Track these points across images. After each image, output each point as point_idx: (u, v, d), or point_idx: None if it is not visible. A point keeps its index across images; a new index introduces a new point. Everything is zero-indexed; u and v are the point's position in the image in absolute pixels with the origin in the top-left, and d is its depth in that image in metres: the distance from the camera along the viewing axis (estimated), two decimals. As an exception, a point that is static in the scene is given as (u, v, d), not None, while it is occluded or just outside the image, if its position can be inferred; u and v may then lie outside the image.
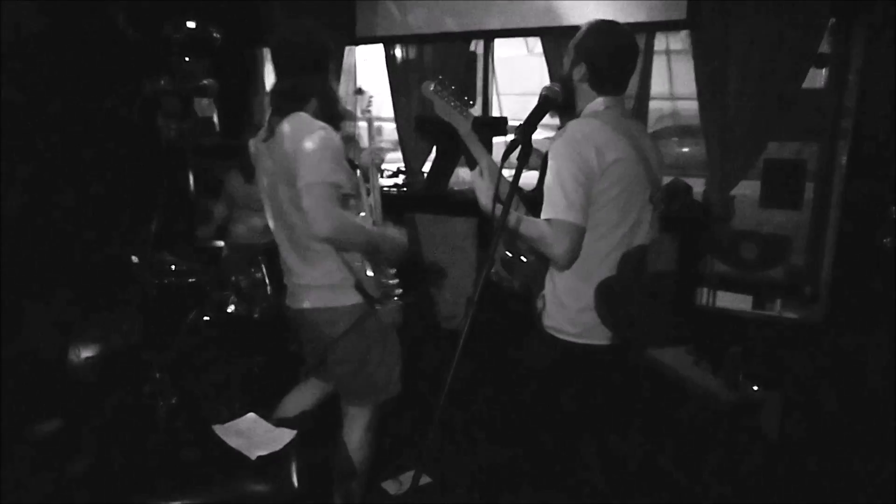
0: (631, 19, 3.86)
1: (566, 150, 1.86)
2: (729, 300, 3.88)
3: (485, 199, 2.01)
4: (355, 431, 2.37)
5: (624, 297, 1.92)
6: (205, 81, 3.31)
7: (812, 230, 3.84)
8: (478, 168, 2.10)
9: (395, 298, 2.24)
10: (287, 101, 2.15)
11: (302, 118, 2.11)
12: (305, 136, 2.04)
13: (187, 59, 3.82)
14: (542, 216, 1.86)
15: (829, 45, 3.61)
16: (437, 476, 2.96)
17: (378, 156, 2.48)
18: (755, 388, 2.99)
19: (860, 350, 3.38)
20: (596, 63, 1.94)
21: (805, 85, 3.58)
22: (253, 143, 2.33)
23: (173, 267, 3.19)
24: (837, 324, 3.55)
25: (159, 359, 2.96)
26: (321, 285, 2.19)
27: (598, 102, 1.97)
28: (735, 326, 3.74)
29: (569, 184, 1.83)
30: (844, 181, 3.57)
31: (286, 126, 2.09)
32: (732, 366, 2.96)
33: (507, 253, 2.18)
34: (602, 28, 1.96)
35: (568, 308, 1.97)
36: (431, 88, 2.19)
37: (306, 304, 2.23)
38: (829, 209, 3.71)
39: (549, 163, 1.88)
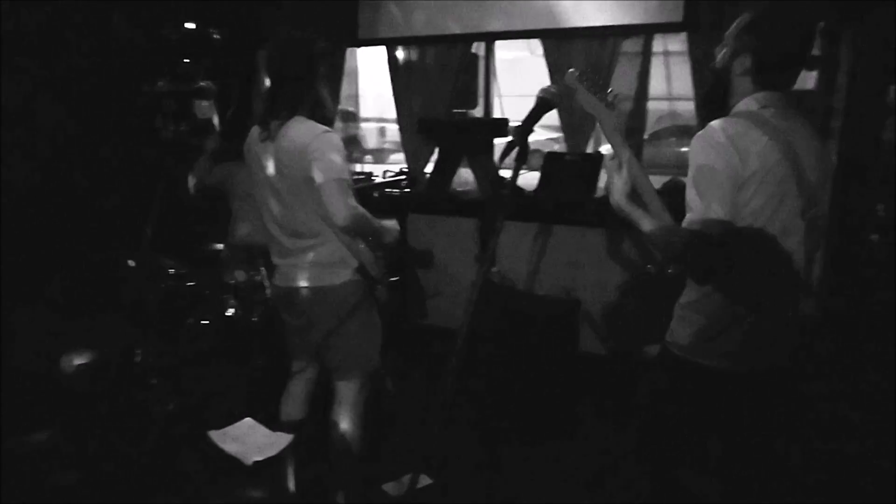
0: (628, 21, 3.88)
1: (708, 153, 1.66)
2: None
3: (618, 195, 1.83)
4: (348, 407, 2.52)
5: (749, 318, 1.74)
6: (202, 83, 3.33)
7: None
8: (615, 161, 1.91)
9: (389, 279, 2.49)
10: (282, 106, 2.31)
11: (305, 122, 2.30)
12: (314, 138, 2.25)
13: (186, 60, 3.83)
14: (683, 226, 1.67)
15: (818, 47, 3.63)
16: (439, 477, 2.96)
17: None
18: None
19: (848, 344, 3.40)
20: (765, 53, 1.71)
21: (796, 87, 3.60)
22: (248, 143, 2.48)
23: (172, 270, 3.20)
24: (829, 319, 3.56)
25: (157, 364, 2.97)
26: (318, 264, 2.38)
27: (753, 100, 1.73)
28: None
29: (713, 192, 1.63)
30: (834, 180, 3.58)
31: (292, 130, 2.28)
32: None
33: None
34: (776, 11, 1.74)
35: (689, 322, 1.80)
36: (577, 76, 2.01)
37: (303, 283, 2.41)
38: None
39: (690, 168, 1.69)
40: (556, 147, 7.85)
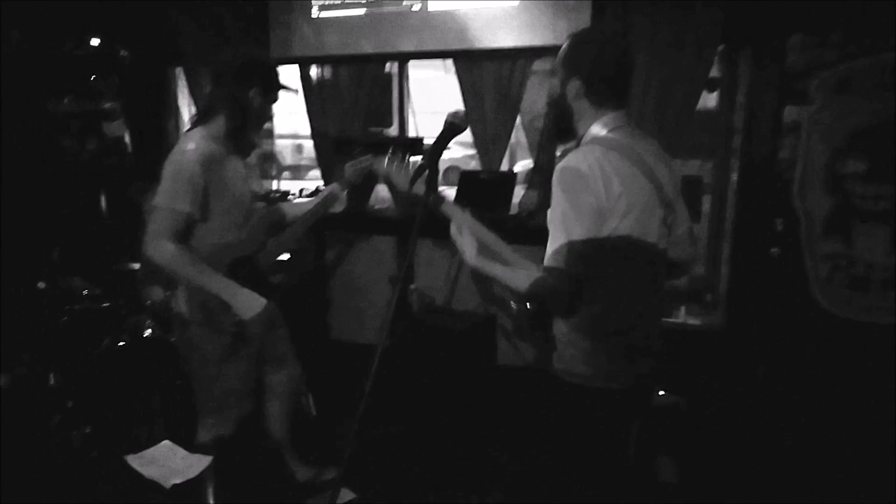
0: (538, 43, 4.05)
1: (569, 187, 1.69)
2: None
3: (469, 255, 1.94)
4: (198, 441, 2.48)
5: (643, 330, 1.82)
6: (107, 105, 3.25)
7: (710, 241, 4.10)
8: (453, 227, 2.02)
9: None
10: (197, 117, 2.27)
11: (186, 136, 2.22)
12: (173, 154, 2.15)
13: (93, 77, 3.73)
14: (545, 263, 1.71)
15: (718, 69, 3.88)
16: (362, 491, 2.98)
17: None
18: (661, 392, 3.16)
19: (756, 352, 3.64)
20: (591, 75, 1.78)
21: (699, 106, 3.83)
22: None
23: (85, 292, 3.11)
24: (735, 328, 3.80)
25: (71, 387, 2.88)
26: (191, 294, 2.32)
27: (601, 124, 1.79)
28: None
29: (574, 229, 1.67)
30: (736, 196, 3.84)
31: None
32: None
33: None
34: (590, 37, 1.87)
35: (582, 346, 1.79)
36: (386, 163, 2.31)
37: (180, 308, 2.38)
38: (724, 222, 3.97)
39: (552, 202, 1.72)
40: (473, 164, 8.02)
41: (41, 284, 2.96)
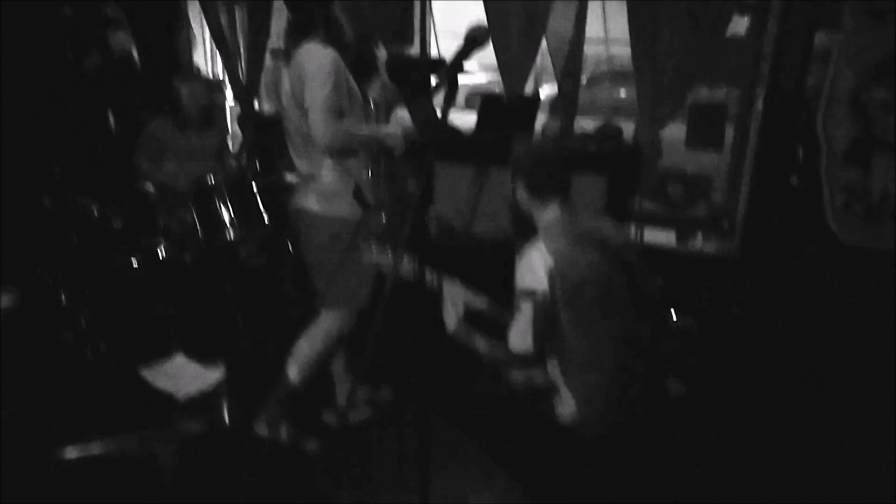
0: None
1: None
2: (655, 235, 4.07)
3: (451, 323, 2.20)
4: (317, 330, 2.66)
5: None
6: (109, 10, 3.11)
7: (731, 169, 4.01)
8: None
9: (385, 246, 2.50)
10: (296, 31, 2.48)
11: (311, 47, 2.44)
12: (311, 61, 2.40)
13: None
14: None
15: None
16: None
17: None
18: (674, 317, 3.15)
19: (771, 280, 3.61)
20: None
21: (730, 32, 3.67)
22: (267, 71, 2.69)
23: (95, 211, 3.09)
24: (749, 255, 3.76)
25: (85, 306, 2.89)
26: (322, 191, 2.54)
27: None
28: (659, 259, 3.91)
29: None
30: (760, 123, 3.73)
31: (299, 55, 2.44)
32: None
33: None
34: None
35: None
36: None
37: (308, 205, 2.57)
38: (747, 150, 3.87)
39: None
40: (498, 89, 7.79)
41: (46, 202, 2.94)
